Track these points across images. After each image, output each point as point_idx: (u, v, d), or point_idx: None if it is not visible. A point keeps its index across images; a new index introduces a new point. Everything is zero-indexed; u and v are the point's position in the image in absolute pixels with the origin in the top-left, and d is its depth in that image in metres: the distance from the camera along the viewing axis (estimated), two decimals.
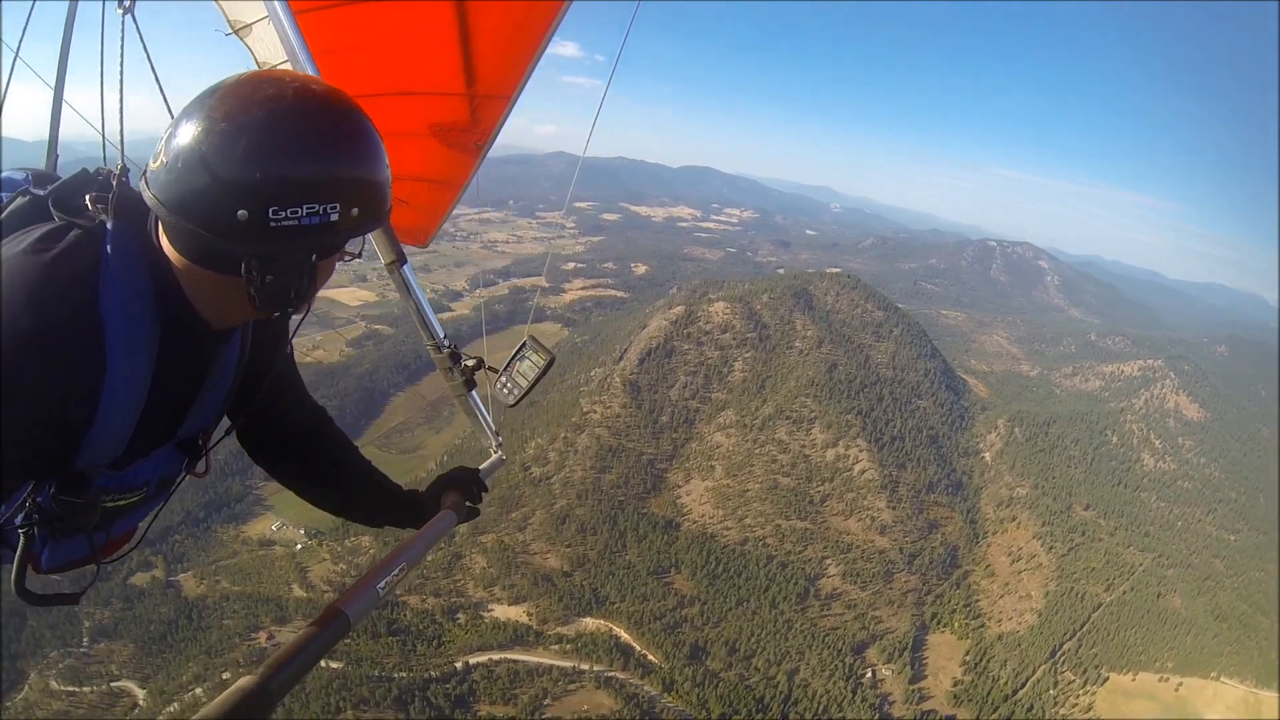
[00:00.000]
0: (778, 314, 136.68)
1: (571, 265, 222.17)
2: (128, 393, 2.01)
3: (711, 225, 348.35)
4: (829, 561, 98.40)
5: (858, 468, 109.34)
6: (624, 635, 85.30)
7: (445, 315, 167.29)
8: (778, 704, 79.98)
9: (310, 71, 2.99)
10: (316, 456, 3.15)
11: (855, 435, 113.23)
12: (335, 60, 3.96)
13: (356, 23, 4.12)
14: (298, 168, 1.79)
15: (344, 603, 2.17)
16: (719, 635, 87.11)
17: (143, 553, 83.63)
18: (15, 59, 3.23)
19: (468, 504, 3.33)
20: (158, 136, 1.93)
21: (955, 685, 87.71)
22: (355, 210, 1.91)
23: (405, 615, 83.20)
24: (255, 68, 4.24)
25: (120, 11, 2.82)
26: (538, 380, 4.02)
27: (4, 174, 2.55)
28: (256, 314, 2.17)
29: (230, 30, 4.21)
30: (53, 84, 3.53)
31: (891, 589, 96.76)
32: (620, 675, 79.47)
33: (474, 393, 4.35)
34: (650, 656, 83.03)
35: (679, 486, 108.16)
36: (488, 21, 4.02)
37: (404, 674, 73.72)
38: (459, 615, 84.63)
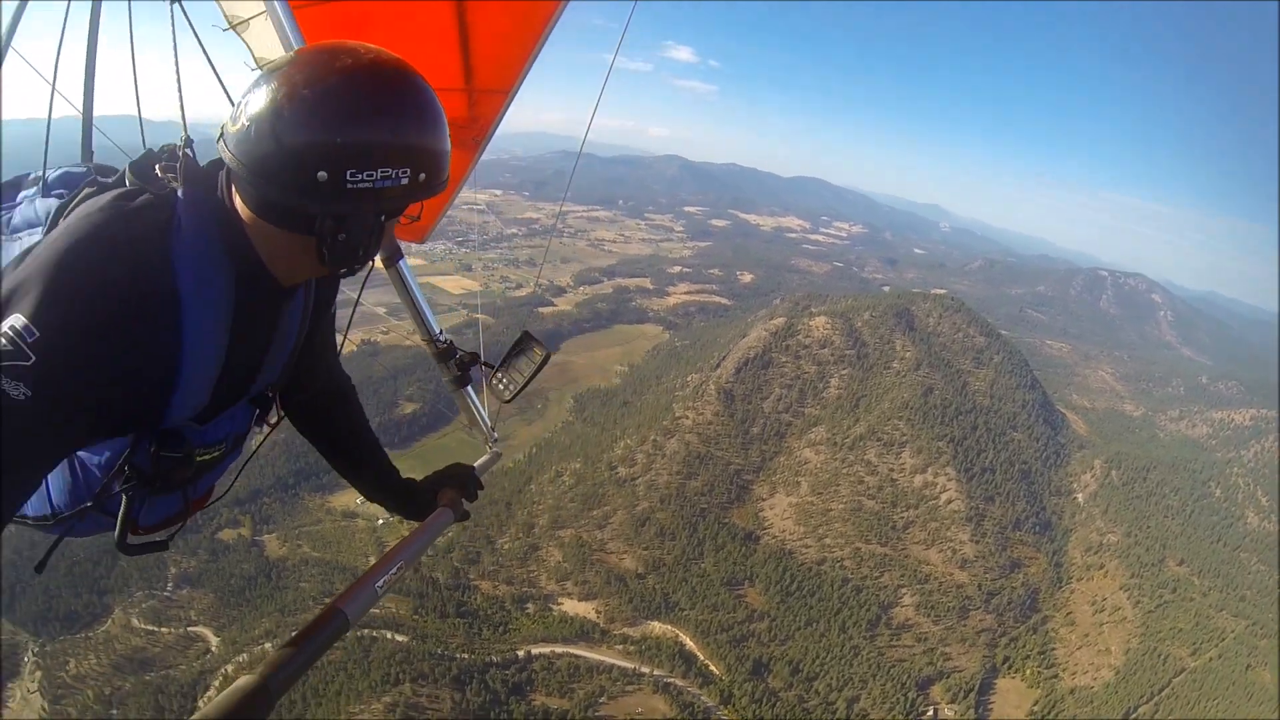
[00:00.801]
0: (878, 333, 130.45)
1: (677, 269, 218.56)
2: (206, 346, 2.03)
3: (820, 238, 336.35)
4: (904, 591, 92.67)
5: (944, 497, 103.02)
6: (689, 643, 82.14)
7: (547, 310, 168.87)
8: None
9: None
10: (336, 421, 3.21)
11: (945, 463, 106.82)
12: None
13: (354, 18, 4.09)
14: (376, 133, 1.87)
15: (343, 602, 2.19)
16: (784, 653, 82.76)
17: (232, 511, 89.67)
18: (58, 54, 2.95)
19: (464, 503, 3.26)
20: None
21: None
22: (423, 175, 1.99)
23: (475, 599, 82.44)
24: (251, 64, 4.12)
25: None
26: (533, 376, 3.98)
27: (64, 169, 2.58)
28: (324, 271, 2.24)
29: (227, 26, 4.07)
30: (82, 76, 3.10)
31: (965, 626, 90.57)
32: (679, 682, 76.56)
33: (470, 389, 4.24)
34: (712, 667, 79.72)
35: (763, 499, 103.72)
36: (486, 16, 3.96)
37: (466, 655, 73.01)
38: (528, 605, 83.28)
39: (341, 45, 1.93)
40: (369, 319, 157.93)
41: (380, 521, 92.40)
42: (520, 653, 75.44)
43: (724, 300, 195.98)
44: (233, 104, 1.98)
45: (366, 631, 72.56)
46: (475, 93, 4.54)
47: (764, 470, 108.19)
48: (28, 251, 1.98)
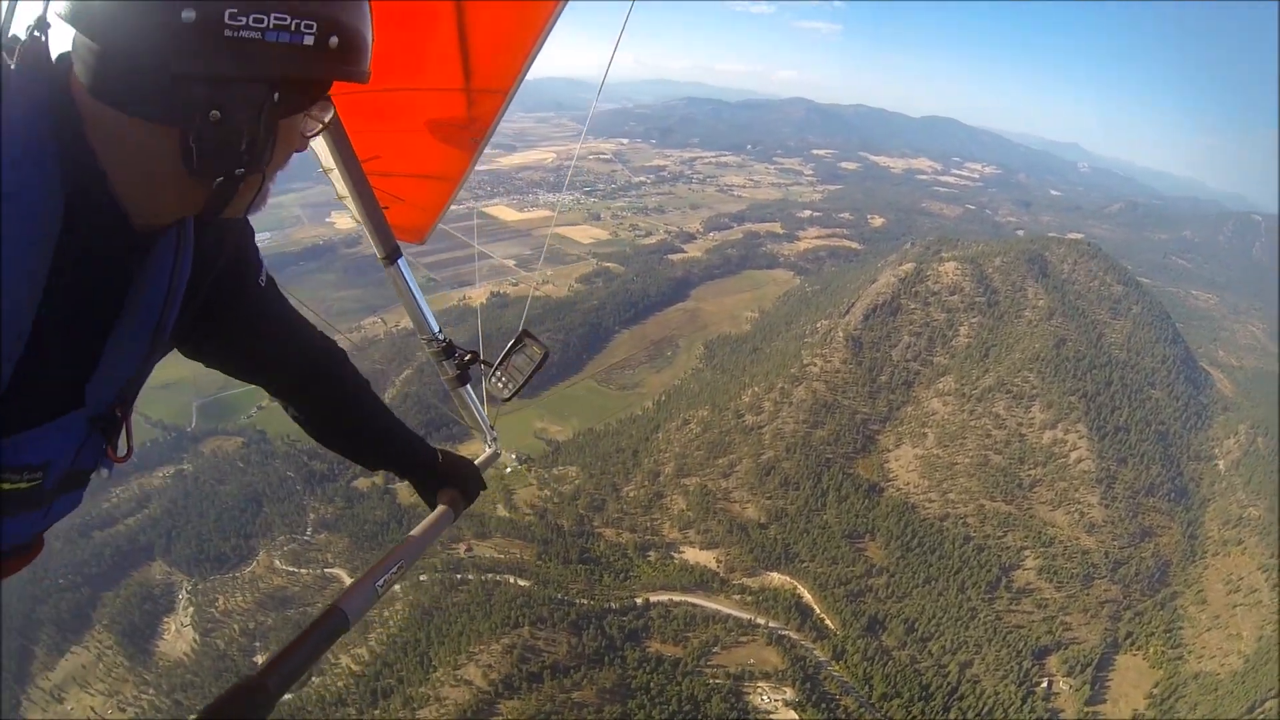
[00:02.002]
0: (1010, 279, 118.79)
1: (807, 213, 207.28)
2: (12, 301, 1.29)
3: (951, 180, 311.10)
4: (1027, 553, 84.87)
5: (1074, 455, 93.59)
6: (806, 595, 77.52)
7: (677, 257, 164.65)
8: (942, 695, 70.45)
9: None
10: (315, 403, 2.60)
11: (1076, 419, 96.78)
12: None
13: None
14: None
15: (343, 601, 2.12)
16: (900, 611, 77.33)
17: None
18: None
19: (464, 502, 3.02)
20: None
21: (1135, 717, 73.83)
22: (334, 39, 1.42)
23: (598, 546, 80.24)
24: None
25: None
26: (533, 374, 3.86)
27: None
28: (193, 193, 1.52)
29: None
30: None
31: (1088, 595, 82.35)
32: (793, 635, 72.25)
33: (468, 387, 4.09)
34: (827, 621, 75.04)
35: (888, 450, 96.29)
36: (485, 16, 3.75)
37: (585, 601, 71.08)
38: (650, 553, 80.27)
39: None
40: (498, 272, 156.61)
41: (508, 470, 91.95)
42: (639, 600, 73.00)
43: (854, 244, 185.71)
44: None
45: (490, 575, 72.30)
46: (474, 92, 4.18)
47: (890, 420, 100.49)
48: None
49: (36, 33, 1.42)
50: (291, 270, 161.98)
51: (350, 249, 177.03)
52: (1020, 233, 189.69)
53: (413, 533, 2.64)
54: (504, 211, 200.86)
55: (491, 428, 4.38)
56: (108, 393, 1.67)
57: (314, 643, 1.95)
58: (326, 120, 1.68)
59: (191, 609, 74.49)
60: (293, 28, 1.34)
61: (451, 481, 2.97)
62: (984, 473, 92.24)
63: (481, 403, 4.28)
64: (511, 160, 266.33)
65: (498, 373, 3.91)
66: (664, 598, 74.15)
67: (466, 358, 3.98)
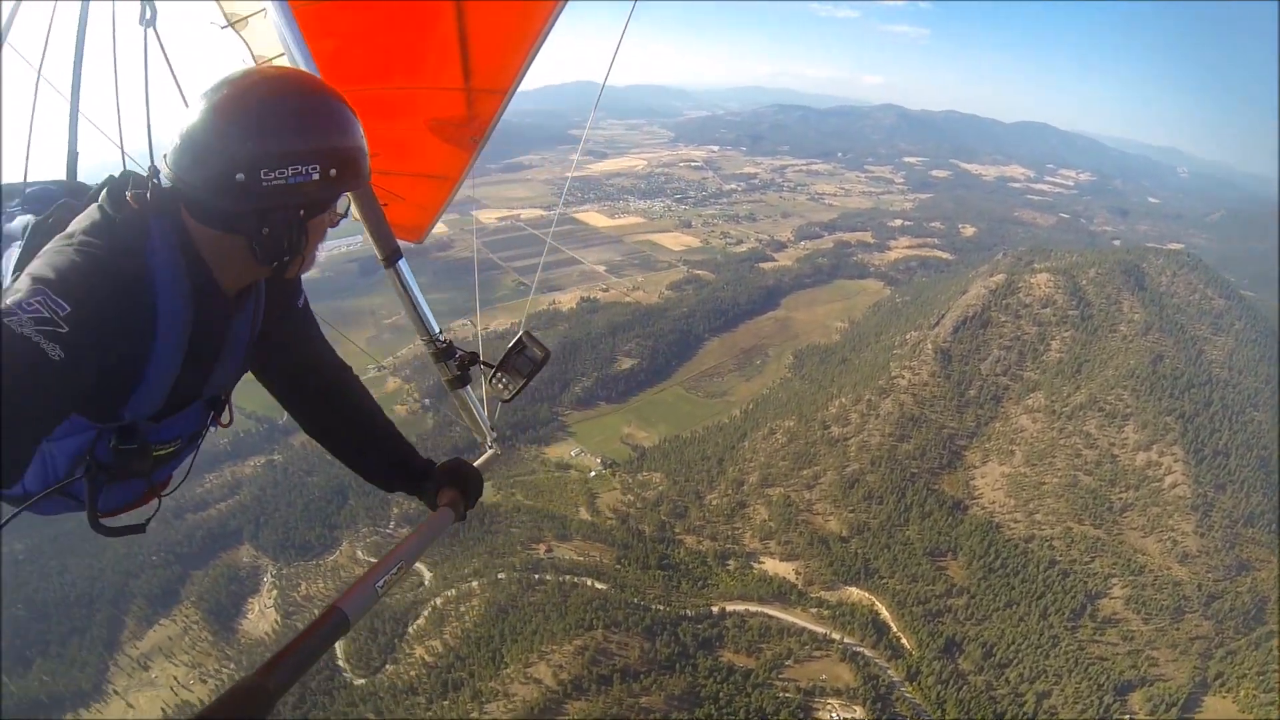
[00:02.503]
0: (1104, 292, 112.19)
1: (898, 222, 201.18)
2: (169, 354, 2.25)
3: (1044, 187, 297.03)
4: (1115, 581, 79.73)
5: (1169, 480, 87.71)
6: (884, 612, 74.65)
7: (768, 265, 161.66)
8: None
9: (305, 65, 3.01)
10: (337, 411, 3.17)
11: (1172, 441, 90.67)
12: (331, 54, 3.84)
13: (352, 17, 4.04)
14: (283, 139, 2.07)
15: (343, 601, 2.17)
16: (979, 634, 73.43)
17: (450, 458, 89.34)
18: (39, 73, 2.96)
19: (465, 505, 3.19)
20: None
21: None
22: (334, 171, 2.18)
23: (678, 552, 78.65)
24: (251, 61, 4.10)
25: (142, 25, 2.78)
26: (533, 375, 3.87)
27: (40, 185, 2.77)
28: (260, 270, 2.41)
29: (226, 23, 4.06)
30: (68, 96, 2.98)
31: (1178, 630, 76.98)
32: (868, 653, 69.58)
33: (469, 388, 4.08)
34: (904, 640, 72.14)
35: (975, 467, 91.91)
36: (485, 16, 3.90)
37: (661, 607, 69.48)
38: (730, 562, 78.31)
39: (258, 68, 2.21)
40: (588, 277, 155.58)
41: (593, 473, 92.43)
42: (715, 609, 71.06)
43: (945, 254, 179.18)
44: None
45: (568, 577, 71.49)
46: (473, 92, 4.33)
47: (978, 436, 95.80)
48: (20, 258, 2.31)
49: (155, 180, 2.22)
50: (382, 274, 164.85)
51: (441, 253, 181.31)
52: (1116, 243, 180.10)
53: (413, 533, 2.71)
54: (595, 218, 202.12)
55: (492, 429, 4.32)
56: (217, 387, 2.67)
57: (314, 643, 2.00)
58: (344, 212, 2.50)
59: (275, 592, 77.60)
60: (305, 172, 2.10)
61: (453, 483, 3.17)
62: (1073, 494, 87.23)
63: (482, 404, 4.22)
64: (603, 167, 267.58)
65: (499, 374, 3.85)
66: (740, 607, 72.12)
67: (467, 359, 3.93)
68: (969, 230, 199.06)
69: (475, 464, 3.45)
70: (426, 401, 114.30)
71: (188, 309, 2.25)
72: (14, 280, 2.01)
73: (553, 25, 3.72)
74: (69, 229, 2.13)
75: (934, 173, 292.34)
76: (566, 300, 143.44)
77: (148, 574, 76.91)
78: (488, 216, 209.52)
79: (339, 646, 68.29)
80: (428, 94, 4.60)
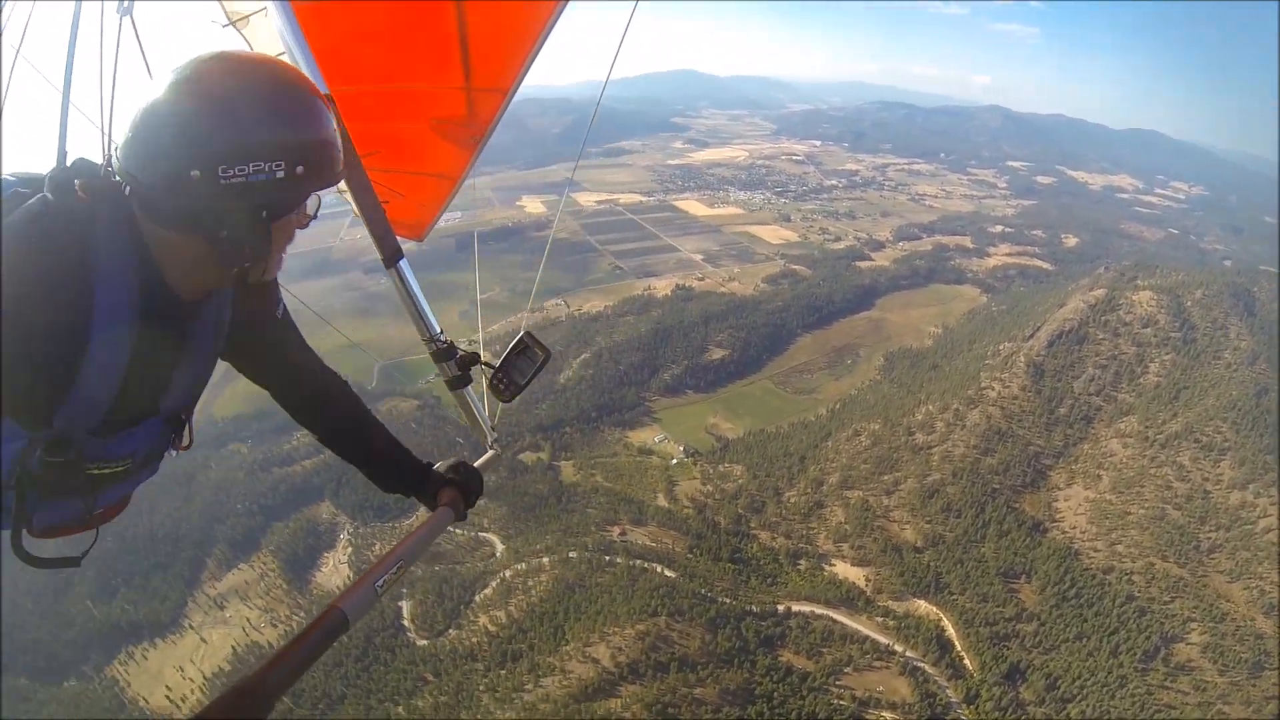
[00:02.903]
0: (1210, 315, 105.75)
1: (999, 228, 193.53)
2: (110, 356, 2.07)
3: (1153, 199, 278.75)
4: (1194, 626, 75.14)
5: (1263, 523, 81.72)
6: (949, 629, 71.77)
7: (865, 264, 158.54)
8: None
9: (306, 64, 2.95)
10: (330, 420, 3.12)
11: (1270, 483, 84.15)
12: (332, 53, 3.70)
13: (354, 16, 4.03)
14: (243, 131, 1.88)
15: (342, 601, 2.17)
16: (1044, 664, 70.04)
17: (534, 436, 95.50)
18: (15, 58, 2.90)
19: (464, 505, 3.22)
20: None
21: None
22: (300, 168, 1.98)
23: (751, 547, 77.27)
24: None
25: (118, 14, 2.68)
26: (533, 376, 3.85)
27: None
28: (220, 275, 2.21)
29: (227, 22, 4.08)
30: (58, 85, 2.83)
31: (1254, 685, 71.96)
32: (929, 669, 66.97)
33: (469, 388, 4.05)
34: (966, 660, 69.18)
35: (1058, 489, 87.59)
36: (486, 16, 3.89)
37: (728, 600, 68.00)
38: (801, 561, 76.37)
39: (219, 53, 1.96)
40: (685, 265, 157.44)
41: (674, 461, 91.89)
42: (780, 607, 69.23)
43: (1045, 264, 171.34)
44: None
45: (639, 562, 70.68)
46: (474, 92, 4.33)
47: (1065, 456, 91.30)
48: None
49: (108, 168, 2.07)
50: (480, 249, 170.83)
51: (539, 233, 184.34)
52: (1227, 263, 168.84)
53: (413, 534, 2.72)
54: (694, 206, 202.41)
55: (492, 429, 4.21)
56: (176, 402, 2.45)
57: (313, 642, 1.98)
58: (313, 213, 2.26)
59: (350, 549, 79.28)
60: (267, 169, 1.89)
61: (453, 483, 3.17)
62: (1159, 528, 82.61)
63: (482, 404, 4.16)
64: (704, 156, 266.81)
65: (499, 374, 3.83)
66: (806, 609, 70.29)
67: (467, 359, 3.88)
68: (1071, 240, 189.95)
69: (475, 464, 3.41)
70: None
71: (132, 312, 2.06)
72: None
73: (553, 26, 3.60)
74: (10, 218, 1.95)
75: (1038, 178, 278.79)
76: (662, 287, 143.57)
77: (231, 521, 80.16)
78: (587, 199, 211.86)
79: (405, 606, 69.76)
80: (429, 93, 4.52)
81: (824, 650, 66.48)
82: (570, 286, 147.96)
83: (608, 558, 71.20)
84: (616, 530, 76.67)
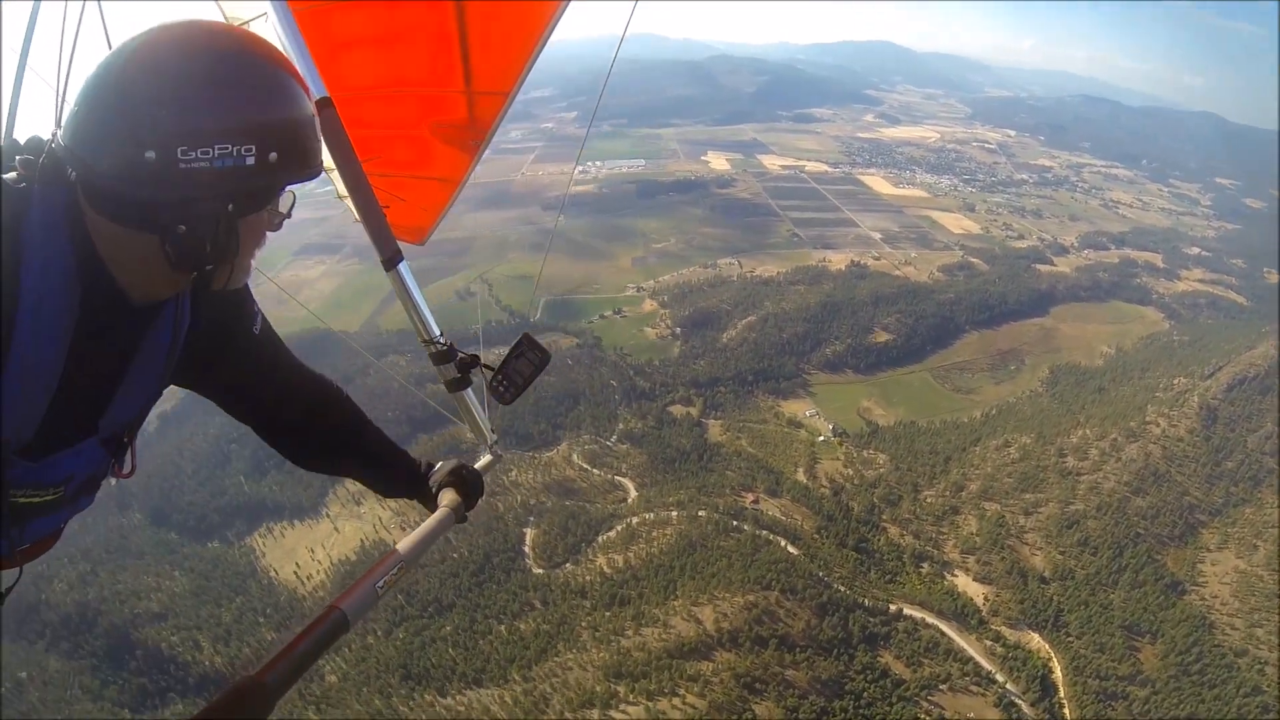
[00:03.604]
0: None
1: (1195, 250, 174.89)
2: (37, 368, 1.78)
3: None
4: None
5: None
6: (1057, 672, 66.88)
7: (1044, 268, 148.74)
8: None
9: (306, 68, 2.89)
10: (314, 439, 2.84)
11: None
12: (333, 57, 3.83)
13: (355, 19, 4.02)
14: (208, 107, 1.65)
15: (342, 601, 2.13)
16: None
17: (688, 390, 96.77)
18: None
19: (465, 506, 3.04)
20: None
21: None
22: (273, 155, 1.73)
23: (878, 540, 74.33)
24: None
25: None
26: (533, 378, 3.75)
27: None
28: (177, 279, 1.92)
29: None
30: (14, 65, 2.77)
31: None
32: (1026, 709, 62.59)
33: (469, 391, 3.92)
34: (1067, 710, 64.27)
35: (1207, 550, 79.56)
36: (486, 17, 3.83)
37: (842, 588, 65.52)
38: (924, 565, 72.91)
39: (180, 21, 1.74)
40: (862, 241, 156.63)
41: (821, 438, 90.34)
42: (893, 607, 66.13)
43: (1240, 299, 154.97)
44: None
45: (764, 533, 68.55)
46: (475, 94, 4.28)
47: (1221, 516, 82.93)
48: None
49: (53, 146, 1.79)
50: (660, 199, 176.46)
51: (722, 190, 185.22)
52: None
53: (413, 535, 2.63)
54: (879, 183, 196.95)
55: (492, 431, 4.11)
56: (117, 423, 2.12)
57: (313, 642, 1.96)
58: (287, 211, 2.00)
59: (488, 471, 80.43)
60: (235, 153, 1.64)
61: (453, 485, 3.02)
62: None
63: (482, 406, 4.01)
64: (894, 133, 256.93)
65: (499, 376, 3.71)
66: (917, 614, 66.93)
67: (467, 361, 3.74)
68: (1273, 277, 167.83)
69: (476, 466, 3.32)
70: (677, 330, 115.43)
71: (69, 316, 1.77)
72: None
73: (554, 27, 3.56)
74: None
75: (1248, 200, 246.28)
76: (837, 260, 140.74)
77: (381, 426, 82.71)
78: (772, 163, 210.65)
79: (528, 534, 70.79)
80: (430, 97, 4.43)
81: (924, 661, 63.24)
82: (746, 248, 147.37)
83: (735, 523, 69.39)
84: (750, 497, 74.74)
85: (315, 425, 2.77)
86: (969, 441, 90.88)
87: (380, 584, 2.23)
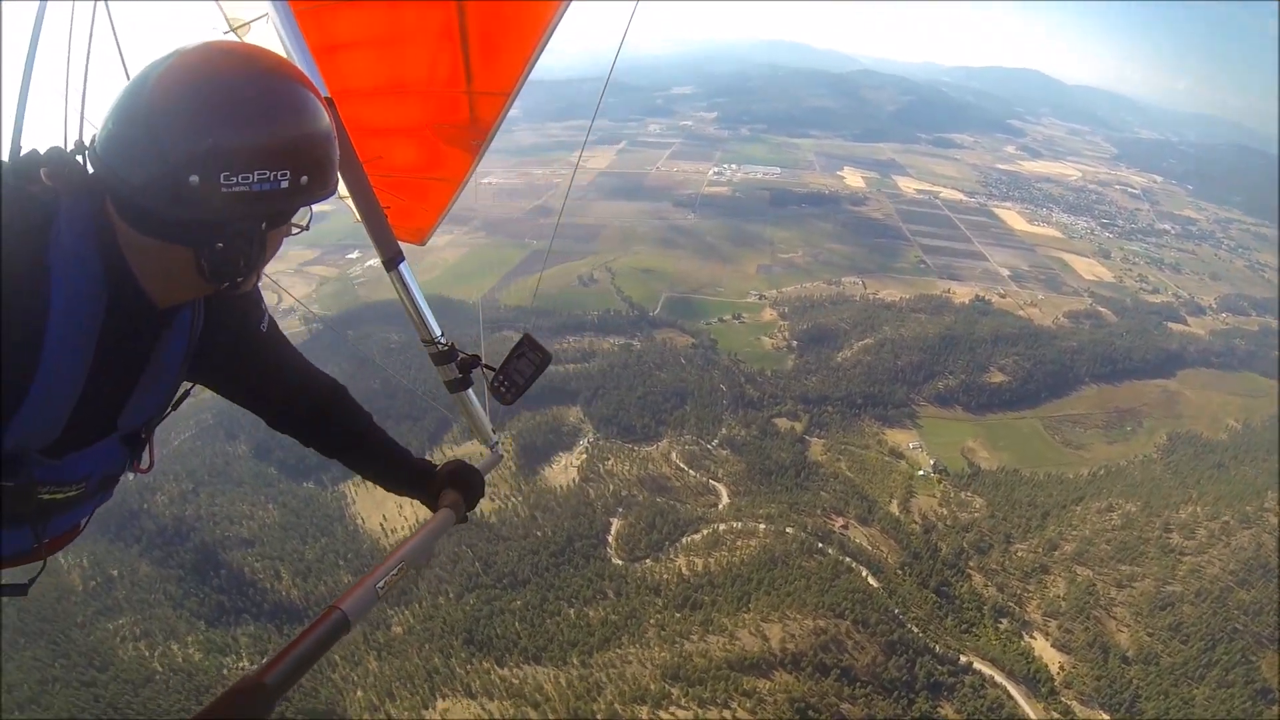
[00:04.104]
0: None
1: None
2: (65, 371, 1.86)
3: None
4: None
5: None
6: None
7: (1176, 327, 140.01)
8: None
9: (308, 68, 2.92)
10: (332, 432, 2.97)
11: None
12: (334, 58, 3.91)
13: (355, 20, 4.02)
14: (251, 135, 1.71)
15: (343, 601, 2.14)
16: None
17: (796, 404, 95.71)
18: None
19: (466, 506, 3.08)
20: None
21: None
22: (305, 179, 1.83)
23: (960, 586, 71.60)
24: None
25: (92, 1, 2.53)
26: (534, 378, 3.87)
27: None
28: (205, 288, 2.02)
29: (228, 29, 4.09)
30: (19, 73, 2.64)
31: None
32: None
33: (470, 391, 4.03)
34: None
35: None
36: (486, 17, 3.83)
37: (916, 630, 63.38)
38: (1003, 620, 69.57)
39: (218, 43, 1.81)
40: (991, 277, 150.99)
41: (920, 473, 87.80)
42: (963, 659, 63.51)
43: None
44: None
45: (848, 560, 67.61)
46: (475, 95, 4.28)
47: None
48: None
49: (79, 157, 1.87)
50: (791, 209, 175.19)
51: (854, 207, 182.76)
52: None
53: (414, 535, 2.64)
54: (1013, 218, 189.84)
55: (493, 431, 4.24)
56: (136, 421, 2.24)
57: (314, 642, 1.97)
58: (304, 225, 2.11)
59: (585, 456, 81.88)
60: (271, 178, 1.72)
61: (454, 485, 3.03)
62: None
63: (483, 406, 4.13)
64: (1035, 167, 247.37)
65: (500, 377, 3.82)
66: (987, 670, 64.08)
67: (468, 362, 3.85)
68: None
69: (477, 466, 3.30)
70: (794, 343, 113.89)
71: (95, 321, 1.86)
72: None
73: (555, 27, 3.54)
74: None
75: None
76: (961, 293, 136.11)
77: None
78: (908, 185, 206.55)
79: (614, 524, 71.51)
80: (430, 97, 4.44)
81: None
82: (872, 269, 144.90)
83: (820, 544, 68.17)
84: (840, 521, 73.48)
85: (320, 422, 2.86)
86: (1071, 499, 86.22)
87: (381, 584, 2.23)
